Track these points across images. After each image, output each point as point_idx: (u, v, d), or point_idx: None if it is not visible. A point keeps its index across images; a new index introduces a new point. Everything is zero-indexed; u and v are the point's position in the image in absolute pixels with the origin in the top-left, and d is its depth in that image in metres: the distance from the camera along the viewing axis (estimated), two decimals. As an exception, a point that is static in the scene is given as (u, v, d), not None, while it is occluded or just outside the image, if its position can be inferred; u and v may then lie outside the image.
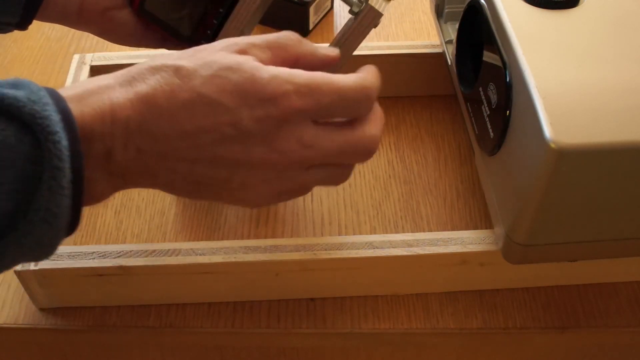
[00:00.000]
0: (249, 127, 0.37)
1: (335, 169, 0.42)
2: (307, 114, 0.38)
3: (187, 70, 0.37)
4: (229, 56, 0.38)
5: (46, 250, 0.36)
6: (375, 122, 0.41)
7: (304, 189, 0.42)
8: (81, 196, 0.35)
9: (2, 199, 0.32)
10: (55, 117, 0.33)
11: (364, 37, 0.47)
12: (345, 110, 0.40)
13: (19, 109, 0.33)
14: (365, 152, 0.41)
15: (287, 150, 0.38)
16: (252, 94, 0.37)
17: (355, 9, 0.46)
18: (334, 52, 0.43)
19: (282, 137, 0.38)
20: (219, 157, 0.38)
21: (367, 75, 0.41)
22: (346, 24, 0.48)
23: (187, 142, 0.37)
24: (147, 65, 0.38)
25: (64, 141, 0.33)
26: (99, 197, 0.38)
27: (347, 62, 0.48)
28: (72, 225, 0.36)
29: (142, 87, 0.37)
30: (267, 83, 0.37)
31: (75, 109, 0.35)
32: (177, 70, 0.37)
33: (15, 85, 0.34)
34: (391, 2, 0.47)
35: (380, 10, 0.45)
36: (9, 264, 0.35)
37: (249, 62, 0.38)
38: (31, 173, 0.33)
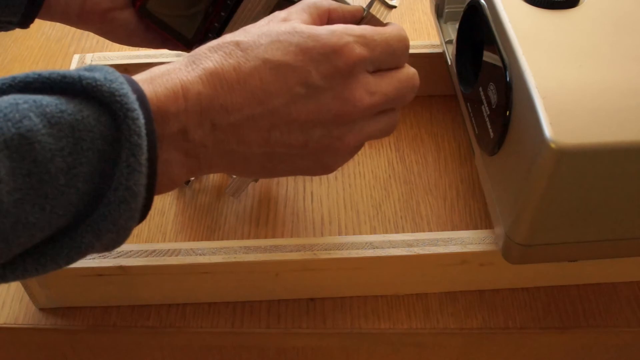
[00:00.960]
0: (318, 83, 0.38)
1: (393, 115, 0.44)
2: (366, 63, 0.40)
3: (247, 43, 0.38)
4: (281, 24, 0.39)
5: (120, 235, 0.35)
6: (408, 65, 0.44)
7: (367, 139, 0.43)
8: (155, 177, 0.35)
9: (81, 181, 0.32)
10: (131, 96, 0.33)
11: None
12: (392, 58, 0.42)
13: (98, 88, 0.33)
14: (413, 88, 0.44)
15: (357, 100, 0.39)
16: (315, 50, 0.38)
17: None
18: (359, 8, 0.45)
19: (351, 88, 0.39)
20: (294, 119, 0.38)
21: (400, 28, 0.43)
22: None
23: (260, 109, 0.37)
24: (206, 46, 0.39)
25: (141, 118, 0.33)
26: (174, 180, 0.39)
27: None
28: (145, 209, 0.36)
29: (208, 64, 0.37)
30: (328, 38, 0.38)
31: (147, 89, 0.35)
32: (237, 44, 0.38)
33: (91, 69, 0.35)
34: (393, 9, 0.47)
35: (381, 19, 0.45)
36: (84, 251, 0.34)
37: (301, 25, 0.39)
38: (109, 154, 0.33)
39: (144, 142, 0.33)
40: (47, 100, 0.32)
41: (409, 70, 0.44)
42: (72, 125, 0.32)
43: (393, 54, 0.42)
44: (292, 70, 0.37)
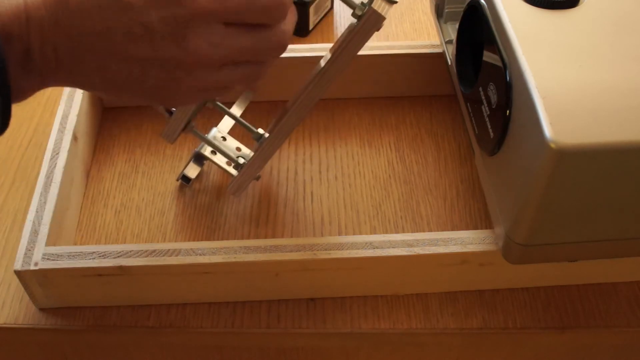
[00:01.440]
0: (157, 27, 0.38)
1: (255, 67, 0.43)
2: (215, 15, 0.39)
3: None
4: None
5: None
6: (288, 23, 0.42)
7: (220, 88, 0.43)
8: (8, 87, 0.36)
9: None
10: None
11: (366, 41, 0.47)
12: (256, 15, 0.40)
13: None
14: (277, 49, 0.42)
15: (195, 49, 0.39)
16: None
17: (358, 12, 0.46)
18: None
19: (190, 37, 0.39)
20: (130, 55, 0.39)
21: None
22: (349, 27, 0.48)
23: (100, 40, 0.38)
24: None
25: None
26: (19, 95, 0.39)
27: (349, 65, 0.48)
28: (3, 119, 0.37)
29: None
30: None
31: None
32: None
33: None
34: (394, 5, 0.46)
35: (383, 14, 0.45)
36: None
37: None
38: None
39: None
40: None
41: (278, 30, 0.42)
42: None
43: (257, 11, 0.40)
44: (134, 10, 0.38)
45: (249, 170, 0.55)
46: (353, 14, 0.47)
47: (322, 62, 0.49)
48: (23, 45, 0.37)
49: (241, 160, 0.56)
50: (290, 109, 0.50)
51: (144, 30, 0.38)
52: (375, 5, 0.45)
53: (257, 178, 0.58)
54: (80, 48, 0.38)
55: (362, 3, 0.47)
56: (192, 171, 0.60)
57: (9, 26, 0.36)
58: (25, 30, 0.37)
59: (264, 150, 0.53)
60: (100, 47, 0.38)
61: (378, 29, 0.46)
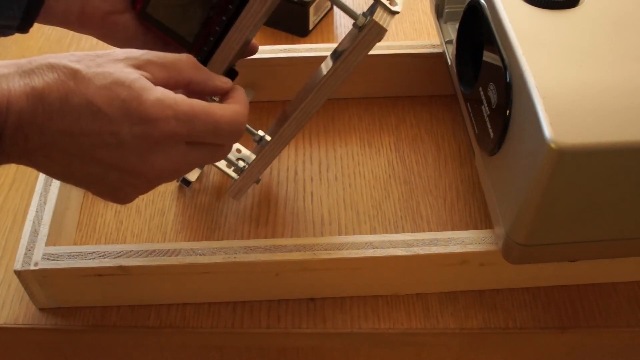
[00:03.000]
0: (126, 140, 0.40)
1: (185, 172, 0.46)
2: (181, 137, 0.42)
3: (83, 77, 0.40)
4: (125, 70, 0.41)
5: None
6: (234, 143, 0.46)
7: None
8: None
9: None
10: None
11: (367, 52, 0.47)
12: (218, 139, 0.44)
13: None
14: (224, 156, 0.46)
15: (157, 166, 0.42)
16: (135, 112, 0.40)
17: (360, 24, 0.46)
18: (227, 84, 0.47)
19: (156, 155, 0.42)
20: (96, 158, 0.41)
21: (240, 109, 0.45)
22: (349, 34, 0.48)
23: (70, 140, 0.40)
24: (47, 61, 0.40)
25: None
26: None
27: (350, 75, 0.48)
28: None
29: (39, 83, 0.39)
30: (151, 105, 0.40)
31: None
32: (74, 74, 0.40)
33: None
34: (395, 15, 0.46)
35: (384, 26, 0.45)
36: None
37: (140, 81, 0.41)
38: None
39: None
40: None
41: (224, 151, 0.46)
42: None
43: (218, 135, 0.44)
44: (108, 121, 0.40)
45: (249, 175, 0.55)
46: (354, 25, 0.47)
47: (323, 67, 0.49)
48: None
49: (241, 164, 0.56)
50: (291, 117, 0.50)
51: (115, 140, 0.40)
52: (376, 17, 0.45)
53: (257, 181, 0.58)
54: (50, 144, 0.40)
55: (363, 14, 0.46)
56: (192, 174, 0.60)
57: None
58: (3, 117, 0.38)
59: (264, 155, 0.53)
60: (69, 146, 0.40)
61: (379, 40, 0.46)
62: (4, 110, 0.38)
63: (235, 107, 0.44)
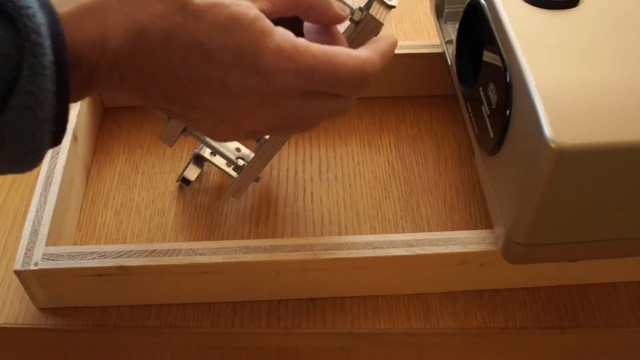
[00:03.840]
0: (236, 90, 0.36)
1: (303, 127, 0.41)
2: (297, 91, 0.37)
3: (193, 9, 0.35)
4: (242, 4, 0.36)
5: (30, 149, 0.33)
6: (360, 92, 0.40)
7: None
8: (67, 86, 0.32)
9: None
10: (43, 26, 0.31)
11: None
12: (336, 89, 0.39)
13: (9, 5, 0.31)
14: (337, 116, 0.41)
15: (266, 120, 0.38)
16: (251, 60, 0.35)
17: (356, 18, 0.46)
18: (345, 11, 0.42)
19: (265, 108, 0.37)
20: (199, 103, 0.37)
21: (370, 57, 0.39)
22: (347, 30, 0.48)
23: (171, 82, 0.36)
24: None
25: (39, 17, 0.31)
26: (73, 101, 0.36)
27: None
28: (58, 126, 0.33)
29: (141, 15, 0.34)
30: (271, 56, 0.35)
31: (67, 29, 0.33)
32: (182, 5, 0.35)
33: None
34: (392, 9, 0.46)
35: (381, 20, 0.45)
36: None
37: (259, 22, 0.36)
38: (13, 59, 0.31)
39: (45, 42, 0.31)
40: None
41: (348, 102, 0.40)
42: None
43: (338, 86, 0.39)
44: (219, 67, 0.35)
45: (248, 173, 0.55)
46: (351, 20, 0.47)
47: None
48: (89, 68, 0.34)
49: (240, 162, 0.56)
50: None
51: (223, 89, 0.36)
52: (373, 11, 0.45)
53: (257, 180, 0.58)
54: (148, 83, 0.36)
55: (359, 8, 0.46)
56: (192, 173, 0.60)
57: (80, 48, 0.33)
58: (97, 57, 0.34)
59: (263, 153, 0.53)
60: (170, 89, 0.36)
61: (376, 35, 0.46)
62: (98, 47, 0.33)
63: (363, 55, 0.39)
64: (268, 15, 0.37)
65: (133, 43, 0.34)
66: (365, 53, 0.39)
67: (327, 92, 0.39)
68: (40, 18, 0.31)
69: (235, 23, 0.35)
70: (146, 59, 0.35)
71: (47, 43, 0.31)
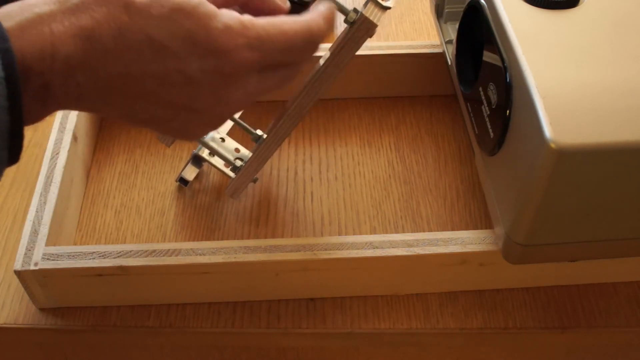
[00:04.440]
0: (196, 77, 0.36)
1: (262, 97, 0.42)
2: (255, 65, 0.38)
3: (137, 7, 0.35)
4: None
5: None
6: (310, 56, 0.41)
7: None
8: (20, 104, 0.32)
9: None
10: None
11: (359, 47, 0.47)
12: (290, 57, 0.40)
13: None
14: (296, 76, 0.42)
15: (232, 101, 0.38)
16: (203, 43, 0.36)
17: (350, 19, 0.46)
18: (285, 3, 0.43)
19: (230, 90, 0.38)
20: (163, 99, 0.37)
21: (313, 19, 0.40)
22: (342, 32, 0.48)
23: (130, 82, 0.36)
24: None
25: None
26: (32, 121, 0.37)
27: (342, 72, 0.48)
28: (13, 143, 0.34)
29: (87, 21, 0.34)
30: (220, 34, 0.36)
31: (15, 43, 0.33)
32: (126, 5, 0.35)
33: None
34: (387, 10, 0.46)
35: (375, 21, 0.45)
36: None
37: (203, 6, 0.36)
38: None
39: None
40: None
41: (300, 68, 0.41)
42: None
43: (293, 54, 0.39)
44: (173, 57, 0.35)
45: (246, 173, 0.55)
46: (345, 21, 0.46)
47: (322, 62, 0.49)
48: (43, 80, 0.34)
49: (238, 163, 0.56)
50: (284, 115, 0.50)
51: (183, 77, 0.36)
52: (367, 12, 0.45)
53: (255, 180, 0.58)
54: (107, 88, 0.36)
55: (354, 10, 0.46)
56: (190, 173, 0.60)
57: (29, 60, 0.33)
58: (48, 66, 0.34)
59: (260, 153, 0.53)
60: (130, 89, 0.36)
61: (370, 36, 0.46)
62: (49, 56, 0.33)
63: (306, 19, 0.39)
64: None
65: (84, 49, 0.34)
66: (309, 16, 0.40)
67: (281, 62, 0.39)
68: None
69: (179, 12, 0.35)
70: (100, 63, 0.35)
71: (1, 75, 0.31)
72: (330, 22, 0.42)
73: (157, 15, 0.35)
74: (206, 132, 0.41)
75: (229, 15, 0.37)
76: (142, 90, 0.36)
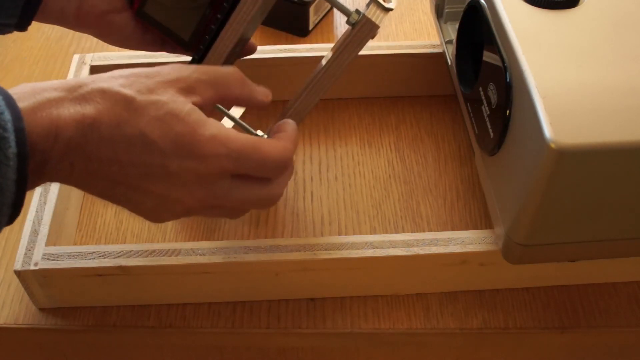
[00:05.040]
0: (175, 172, 0.41)
1: (234, 211, 0.46)
2: (228, 172, 0.42)
3: (136, 106, 0.40)
4: (178, 100, 0.41)
5: None
6: (283, 182, 0.46)
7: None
8: (26, 175, 0.36)
9: None
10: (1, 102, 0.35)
11: (360, 48, 0.47)
12: (265, 172, 0.44)
13: None
14: (266, 205, 0.46)
15: (201, 198, 0.42)
16: (188, 147, 0.40)
17: (353, 20, 0.46)
18: (267, 97, 0.47)
19: (201, 187, 0.42)
20: (140, 187, 0.41)
21: (289, 146, 0.45)
22: (345, 33, 0.48)
23: (117, 168, 0.40)
24: (98, 86, 0.40)
25: (7, 114, 0.35)
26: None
27: (344, 73, 0.48)
28: (14, 209, 0.38)
29: (91, 111, 0.39)
30: (205, 142, 0.41)
31: (27, 121, 0.37)
32: (127, 103, 0.40)
33: None
34: (389, 12, 0.46)
35: (377, 22, 0.45)
36: None
37: (194, 115, 0.41)
38: None
39: (10, 136, 0.35)
40: None
41: (272, 190, 0.45)
42: None
43: (265, 171, 0.44)
44: (159, 153, 0.40)
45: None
46: (348, 22, 0.46)
47: (324, 62, 0.49)
48: (43, 157, 0.38)
49: None
50: (285, 115, 0.50)
51: (163, 171, 0.40)
52: (369, 14, 0.45)
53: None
54: (95, 170, 0.40)
55: (356, 11, 0.46)
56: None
57: (35, 138, 0.37)
58: (50, 146, 0.38)
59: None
60: (115, 174, 0.40)
61: (372, 37, 0.46)
62: (52, 137, 0.38)
63: (284, 145, 0.44)
64: (200, 107, 0.42)
65: (83, 135, 0.38)
66: (285, 142, 0.45)
67: (253, 176, 0.44)
68: (7, 115, 0.35)
69: (173, 116, 0.40)
70: (95, 148, 0.39)
71: (11, 137, 0.35)
72: (297, 144, 0.47)
73: (153, 116, 0.40)
74: (171, 219, 0.45)
75: (217, 126, 0.41)
76: (124, 176, 0.41)
